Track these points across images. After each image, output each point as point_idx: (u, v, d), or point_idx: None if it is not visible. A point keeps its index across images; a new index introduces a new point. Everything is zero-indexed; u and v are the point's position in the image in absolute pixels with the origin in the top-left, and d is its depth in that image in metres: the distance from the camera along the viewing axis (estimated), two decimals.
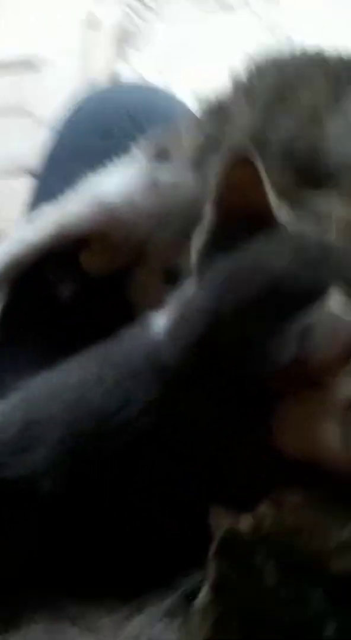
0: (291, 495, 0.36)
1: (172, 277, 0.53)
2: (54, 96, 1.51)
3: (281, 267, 0.39)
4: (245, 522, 0.36)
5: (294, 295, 0.38)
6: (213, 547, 0.37)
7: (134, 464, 0.41)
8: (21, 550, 0.43)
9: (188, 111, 0.68)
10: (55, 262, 0.64)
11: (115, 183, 0.57)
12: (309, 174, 0.48)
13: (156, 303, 0.46)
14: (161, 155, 0.56)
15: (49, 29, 1.68)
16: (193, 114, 0.60)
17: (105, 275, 0.63)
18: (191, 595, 0.39)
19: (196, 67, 1.50)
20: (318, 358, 0.36)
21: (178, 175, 0.53)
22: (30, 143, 1.48)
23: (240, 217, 0.41)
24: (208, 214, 0.42)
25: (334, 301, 0.37)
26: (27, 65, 1.63)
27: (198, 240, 0.43)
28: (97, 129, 0.70)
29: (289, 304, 0.37)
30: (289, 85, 0.52)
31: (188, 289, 0.45)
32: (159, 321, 0.44)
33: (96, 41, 1.67)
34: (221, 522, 0.38)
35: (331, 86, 0.50)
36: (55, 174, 0.71)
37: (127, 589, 0.43)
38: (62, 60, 1.63)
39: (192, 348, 0.41)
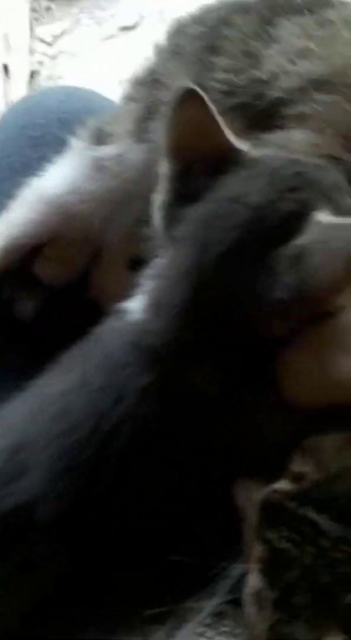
0: (328, 439, 0.32)
1: (139, 265, 0.49)
2: None
3: (259, 198, 0.35)
4: (285, 484, 0.32)
5: (278, 225, 0.34)
6: (252, 524, 0.32)
7: (141, 459, 0.36)
8: (32, 586, 0.38)
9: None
10: (9, 279, 0.59)
11: (57, 176, 0.53)
12: (255, 111, 0.45)
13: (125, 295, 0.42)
14: (101, 137, 0.52)
15: None
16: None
17: (65, 282, 0.58)
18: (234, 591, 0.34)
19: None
20: (319, 279, 0.32)
21: (121, 150, 0.49)
22: None
23: (200, 160, 0.37)
24: (164, 166, 0.38)
25: (325, 217, 0.33)
26: None
27: (158, 197, 0.39)
28: (28, 141, 0.66)
29: (276, 235, 0.34)
30: (215, 30, 0.49)
31: (159, 259, 0.41)
32: (134, 305, 0.40)
33: (13, 89, 1.65)
34: (253, 495, 0.34)
35: (257, 19, 0.47)
36: None
37: (156, 606, 0.38)
38: None
39: (179, 315, 0.37)
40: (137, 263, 0.51)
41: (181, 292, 0.37)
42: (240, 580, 0.34)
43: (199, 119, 0.37)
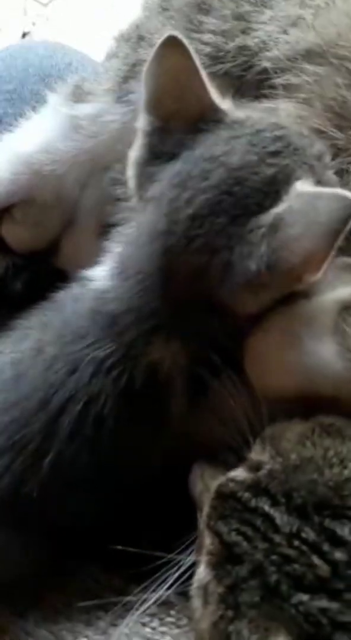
0: (291, 428, 0.30)
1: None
2: None
3: (238, 159, 0.32)
4: (241, 472, 0.29)
5: (257, 189, 0.32)
6: (206, 515, 0.30)
7: (93, 437, 0.34)
8: None
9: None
10: None
11: (30, 133, 0.50)
12: (242, 80, 0.42)
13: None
14: (79, 94, 0.49)
15: None
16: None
17: (33, 249, 0.55)
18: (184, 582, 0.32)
19: None
20: (295, 252, 0.30)
21: (100, 110, 0.46)
22: None
23: (179, 115, 0.35)
24: (142, 119, 0.36)
25: (304, 188, 0.31)
26: None
27: (133, 154, 0.36)
28: (3, 94, 0.62)
29: (253, 200, 0.31)
30: None
31: (129, 222, 0.39)
32: (99, 272, 0.38)
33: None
34: (210, 483, 0.32)
35: None
36: None
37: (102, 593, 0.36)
38: None
39: (145, 282, 0.34)
40: (110, 229, 0.49)
41: (148, 258, 0.34)
42: (191, 572, 0.32)
43: (180, 69, 0.34)
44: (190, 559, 0.32)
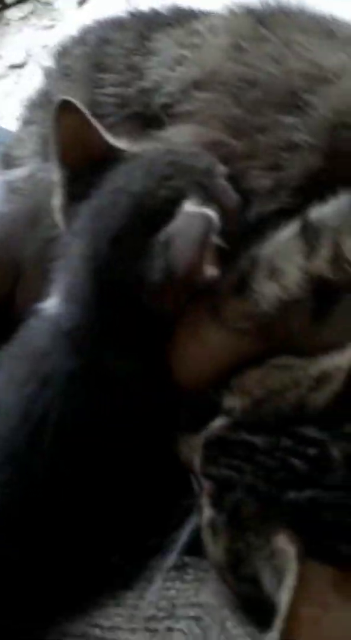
0: (247, 376, 0.36)
1: None
2: None
3: (139, 186, 0.39)
4: (219, 420, 0.35)
5: (157, 211, 0.38)
6: (199, 466, 0.35)
7: (74, 442, 0.38)
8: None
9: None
10: None
11: None
12: (147, 116, 0.50)
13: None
14: (9, 161, 0.55)
15: None
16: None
17: None
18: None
19: None
20: (181, 262, 0.36)
21: (33, 170, 0.52)
22: None
23: (84, 163, 0.41)
24: (56, 172, 0.42)
25: (189, 206, 0.37)
26: None
27: (56, 201, 0.43)
28: None
29: (155, 220, 0.38)
30: (97, 48, 0.54)
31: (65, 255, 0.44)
32: (50, 303, 0.43)
33: None
34: (194, 442, 0.37)
35: (135, 36, 0.53)
36: None
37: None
38: None
39: (86, 302, 0.40)
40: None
41: (82, 281, 0.40)
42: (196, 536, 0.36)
43: (76, 126, 0.42)
44: (191, 525, 0.36)
